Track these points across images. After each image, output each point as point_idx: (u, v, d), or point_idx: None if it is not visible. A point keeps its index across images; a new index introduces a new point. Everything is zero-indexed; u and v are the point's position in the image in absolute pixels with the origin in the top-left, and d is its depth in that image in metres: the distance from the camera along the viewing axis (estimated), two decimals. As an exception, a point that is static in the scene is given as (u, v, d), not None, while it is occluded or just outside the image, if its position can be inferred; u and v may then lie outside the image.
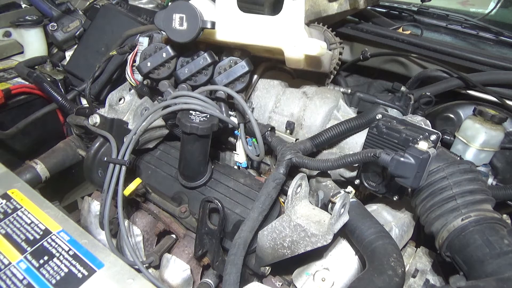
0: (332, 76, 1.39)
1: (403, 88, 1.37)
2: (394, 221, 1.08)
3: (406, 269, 1.00)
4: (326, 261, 0.98)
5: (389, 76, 1.59)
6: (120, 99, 1.21)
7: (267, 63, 1.27)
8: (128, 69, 1.18)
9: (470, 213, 0.88)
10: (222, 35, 1.07)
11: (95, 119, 1.14)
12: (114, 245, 1.03)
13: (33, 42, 1.82)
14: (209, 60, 1.10)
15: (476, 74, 1.31)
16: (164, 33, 1.03)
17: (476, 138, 1.17)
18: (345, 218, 0.88)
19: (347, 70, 1.69)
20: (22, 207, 0.86)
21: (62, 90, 1.68)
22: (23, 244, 0.78)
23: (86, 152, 1.21)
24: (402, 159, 0.83)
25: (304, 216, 0.88)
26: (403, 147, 0.92)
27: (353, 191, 1.06)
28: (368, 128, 1.02)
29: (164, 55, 1.10)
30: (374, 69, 1.63)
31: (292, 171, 1.04)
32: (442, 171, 0.94)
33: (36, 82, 1.56)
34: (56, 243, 0.79)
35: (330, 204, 1.02)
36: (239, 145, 1.17)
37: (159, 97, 1.22)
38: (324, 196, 1.06)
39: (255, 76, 1.23)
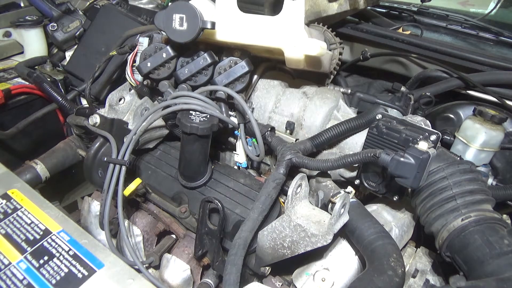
0: (332, 76, 1.39)
1: (403, 88, 1.37)
2: (394, 221, 1.08)
3: (406, 269, 1.00)
4: (326, 261, 0.98)
5: (389, 76, 1.59)
6: (120, 99, 1.21)
7: (267, 63, 1.27)
8: (128, 69, 1.18)
9: (470, 213, 0.88)
10: (222, 35, 1.07)
11: (95, 119, 1.14)
12: (114, 245, 1.03)
13: (33, 42, 1.82)
14: (209, 60, 1.10)
15: (476, 74, 1.31)
16: (164, 33, 1.03)
17: (476, 138, 1.17)
18: (345, 218, 0.88)
19: (347, 70, 1.69)
20: (22, 207, 0.86)
21: (62, 90, 1.68)
22: (23, 244, 0.78)
23: (86, 152, 1.21)
24: (402, 159, 0.83)
25: (304, 216, 0.88)
26: (403, 147, 0.92)
27: (353, 191, 1.06)
28: (368, 128, 1.02)
29: (164, 55, 1.10)
30: (374, 69, 1.63)
31: (292, 171, 1.04)
32: (442, 171, 0.94)
33: (36, 82, 1.56)
34: (56, 243, 0.79)
35: (330, 204, 1.02)
36: (239, 145, 1.17)
37: (159, 97, 1.22)
38: (324, 196, 1.06)
39: (255, 76, 1.23)
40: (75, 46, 1.82)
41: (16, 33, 1.82)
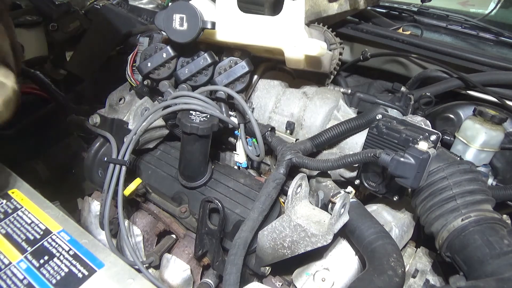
0: (332, 77, 1.39)
1: (403, 89, 1.37)
2: (394, 221, 1.08)
3: (406, 269, 1.00)
4: (326, 261, 0.98)
5: (389, 76, 1.59)
6: (120, 99, 1.21)
7: (267, 63, 1.27)
8: (128, 69, 1.18)
9: (470, 213, 0.88)
10: (222, 35, 1.07)
11: (95, 119, 1.14)
12: (114, 245, 1.03)
13: (33, 42, 1.83)
14: (209, 61, 1.10)
15: (476, 74, 1.31)
16: (164, 33, 1.03)
17: (476, 139, 1.17)
18: (345, 218, 0.88)
19: (347, 70, 1.69)
20: (22, 207, 0.86)
21: (62, 90, 1.68)
22: (24, 244, 0.79)
23: (86, 152, 1.21)
24: (402, 159, 0.83)
25: (304, 216, 0.88)
26: (403, 147, 0.92)
27: (353, 191, 1.06)
28: (368, 129, 1.02)
29: (164, 55, 1.10)
30: (374, 70, 1.63)
31: (292, 171, 1.04)
32: (442, 171, 0.94)
33: (36, 82, 1.57)
34: (56, 243, 0.79)
35: (330, 204, 1.02)
36: (239, 145, 1.17)
37: (159, 97, 1.22)
38: (324, 196, 1.06)
39: (255, 76, 1.23)
40: (75, 46, 1.82)
41: (16, 33, 1.82)
